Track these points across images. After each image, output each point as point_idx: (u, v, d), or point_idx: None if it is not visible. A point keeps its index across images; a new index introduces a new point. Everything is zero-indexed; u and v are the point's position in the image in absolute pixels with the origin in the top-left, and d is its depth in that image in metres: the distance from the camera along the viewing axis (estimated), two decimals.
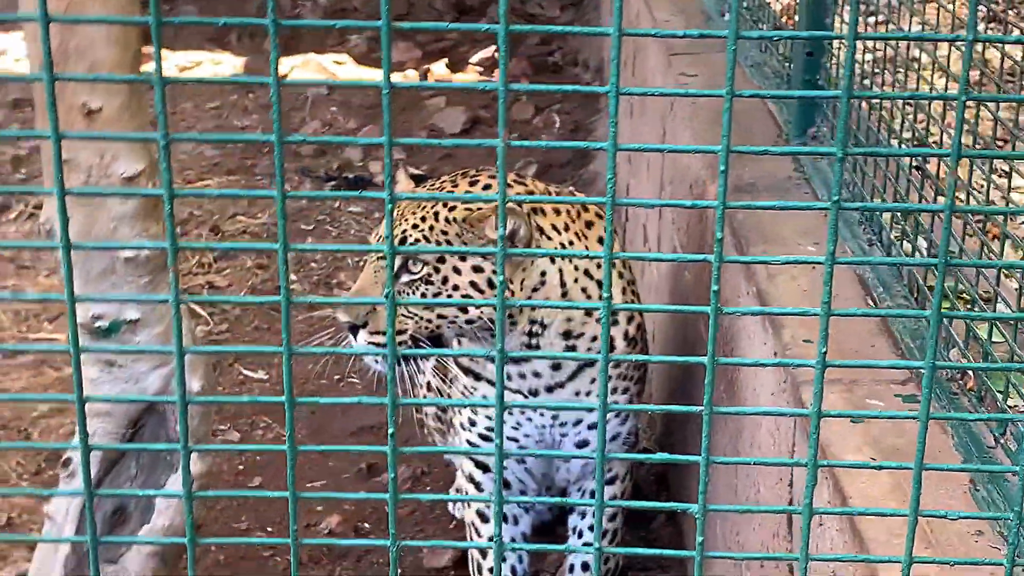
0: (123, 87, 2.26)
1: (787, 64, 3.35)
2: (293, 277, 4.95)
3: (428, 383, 3.47)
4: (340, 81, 1.14)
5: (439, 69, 6.56)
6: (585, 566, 3.10)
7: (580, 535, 3.13)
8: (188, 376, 2.43)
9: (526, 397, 2.87)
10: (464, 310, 2.65)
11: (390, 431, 1.24)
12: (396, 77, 6.63)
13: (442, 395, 3.40)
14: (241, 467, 3.88)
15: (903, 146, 2.56)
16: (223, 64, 6.79)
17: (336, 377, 4.28)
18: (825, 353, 1.16)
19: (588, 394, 2.88)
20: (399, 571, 3.80)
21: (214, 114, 6.26)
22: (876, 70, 2.95)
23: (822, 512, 1.20)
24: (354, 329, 2.68)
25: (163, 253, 2.37)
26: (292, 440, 1.22)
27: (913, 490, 1.17)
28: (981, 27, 3.01)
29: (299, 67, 6.63)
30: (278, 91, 1.10)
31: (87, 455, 1.21)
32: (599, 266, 2.85)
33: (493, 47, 6.73)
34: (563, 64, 6.59)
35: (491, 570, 3.05)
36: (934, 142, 2.64)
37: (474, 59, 6.66)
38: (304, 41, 6.92)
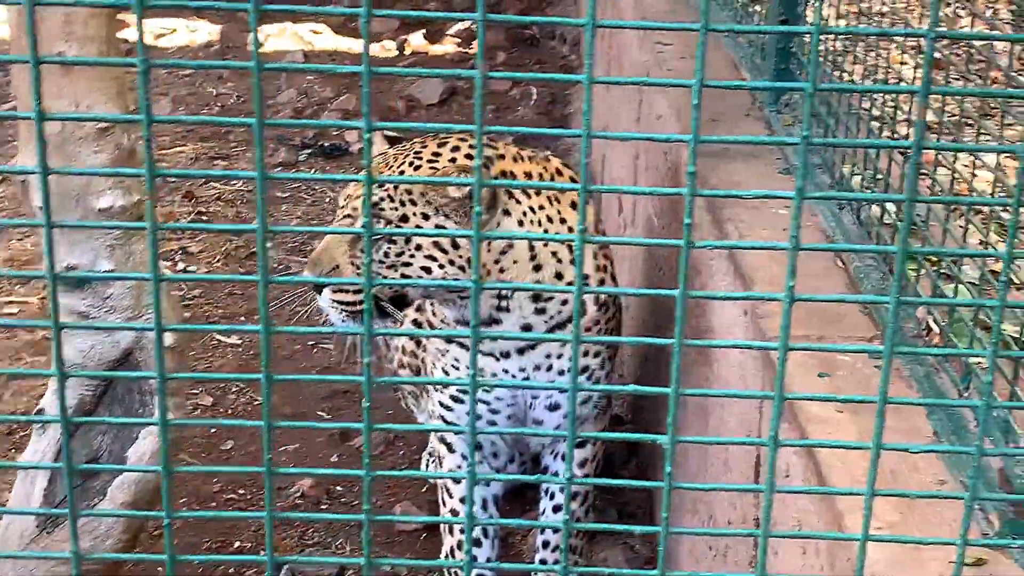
0: (98, 37, 2.25)
1: (761, 34, 3.37)
2: (268, 244, 4.93)
3: (403, 346, 3.48)
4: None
5: (416, 40, 6.55)
6: (557, 529, 3.12)
7: (552, 496, 3.15)
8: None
9: (497, 359, 2.89)
10: (428, 270, 2.65)
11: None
12: (374, 48, 6.62)
13: (416, 356, 3.41)
14: (212, 430, 3.89)
15: (875, 134, 2.58)
16: (199, 32, 6.75)
17: (311, 343, 4.29)
18: (793, 287, 1.18)
19: (560, 356, 2.90)
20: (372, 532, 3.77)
21: (188, 81, 6.24)
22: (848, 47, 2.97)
23: (787, 444, 1.22)
24: (318, 287, 2.69)
25: (138, 205, 2.37)
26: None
27: (876, 423, 1.20)
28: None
29: (275, 36, 6.60)
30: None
31: (63, 382, 1.22)
32: (571, 230, 2.86)
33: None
34: (540, 36, 6.60)
35: (462, 530, 3.08)
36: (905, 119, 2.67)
37: (452, 30, 6.65)
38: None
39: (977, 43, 2.79)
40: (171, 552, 1.29)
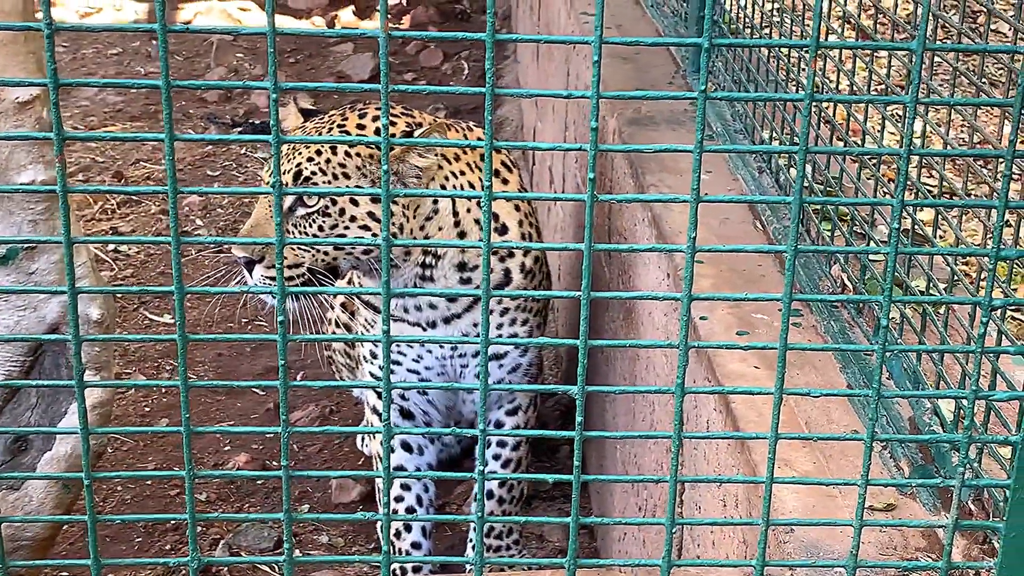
0: (14, 12, 2.23)
1: (685, 3, 3.41)
2: (199, 223, 4.91)
3: (336, 318, 3.50)
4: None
5: (346, 16, 6.52)
6: (489, 494, 3.16)
7: (486, 463, 3.18)
8: (87, 304, 2.43)
9: (424, 329, 2.91)
10: None
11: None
12: (303, 25, 6.58)
13: (349, 329, 3.43)
14: (147, 408, 3.87)
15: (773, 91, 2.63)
16: (124, 10, 6.67)
17: (244, 320, 4.28)
18: (695, 238, 1.22)
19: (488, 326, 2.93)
20: (308, 507, 3.76)
21: (116, 61, 6.16)
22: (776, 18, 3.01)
23: (694, 391, 1.26)
24: (250, 264, 2.69)
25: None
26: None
27: (779, 368, 1.24)
28: None
29: (202, 14, 6.54)
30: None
31: None
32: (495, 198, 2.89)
33: None
34: (471, 12, 6.60)
35: (397, 499, 3.10)
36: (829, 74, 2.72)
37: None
38: None
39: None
40: (92, 516, 1.31)
